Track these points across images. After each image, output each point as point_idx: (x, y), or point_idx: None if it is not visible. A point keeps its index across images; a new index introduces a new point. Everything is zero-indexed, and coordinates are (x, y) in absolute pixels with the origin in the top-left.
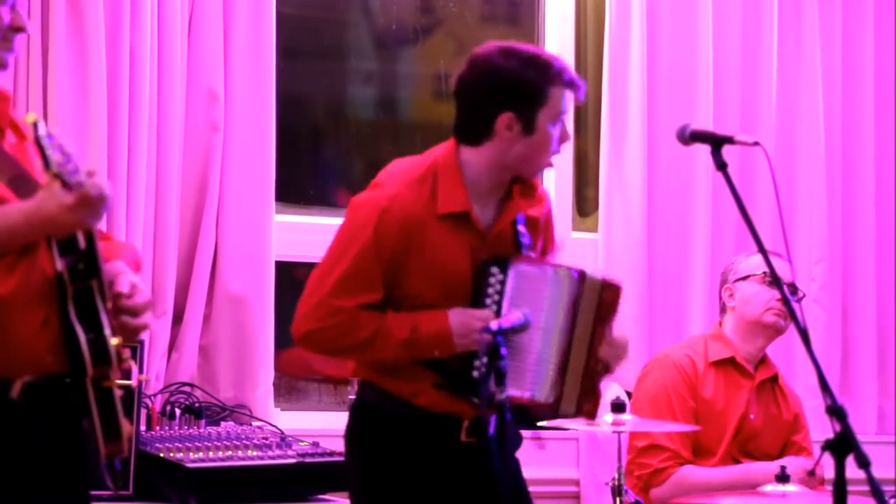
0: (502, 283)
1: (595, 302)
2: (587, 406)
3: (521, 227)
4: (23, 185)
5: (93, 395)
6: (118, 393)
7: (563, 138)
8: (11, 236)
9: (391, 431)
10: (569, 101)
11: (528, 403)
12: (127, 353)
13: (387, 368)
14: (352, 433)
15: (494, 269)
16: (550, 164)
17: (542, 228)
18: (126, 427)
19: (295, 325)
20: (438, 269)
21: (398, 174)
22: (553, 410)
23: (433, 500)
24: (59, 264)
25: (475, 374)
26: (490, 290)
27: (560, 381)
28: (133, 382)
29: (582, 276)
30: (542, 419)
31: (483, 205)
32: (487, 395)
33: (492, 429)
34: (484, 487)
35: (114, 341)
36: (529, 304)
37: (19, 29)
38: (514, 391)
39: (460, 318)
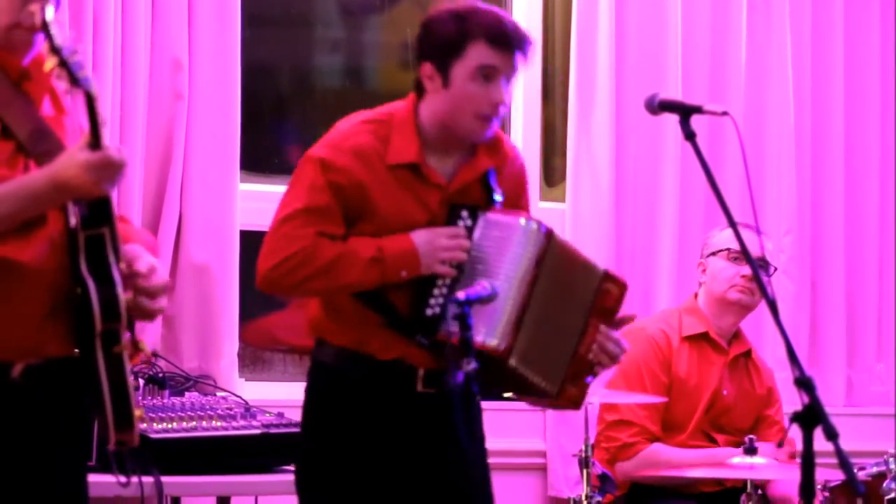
0: (470, 228)
1: (592, 290)
2: (572, 391)
3: (493, 183)
4: (42, 139)
5: (104, 366)
6: (130, 370)
7: (492, 98)
8: (36, 201)
9: (346, 389)
10: (494, 58)
11: (479, 347)
12: (143, 341)
13: (337, 315)
14: (308, 394)
15: (464, 213)
16: (481, 127)
17: (512, 185)
18: (138, 413)
19: (258, 268)
20: (392, 218)
21: (352, 118)
22: (505, 361)
23: (389, 455)
24: (73, 219)
25: (428, 311)
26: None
27: (513, 331)
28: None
29: (549, 232)
30: (520, 395)
31: (442, 158)
32: (441, 339)
33: (457, 378)
34: (443, 439)
35: (123, 296)
36: (494, 251)
37: None
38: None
39: (425, 236)
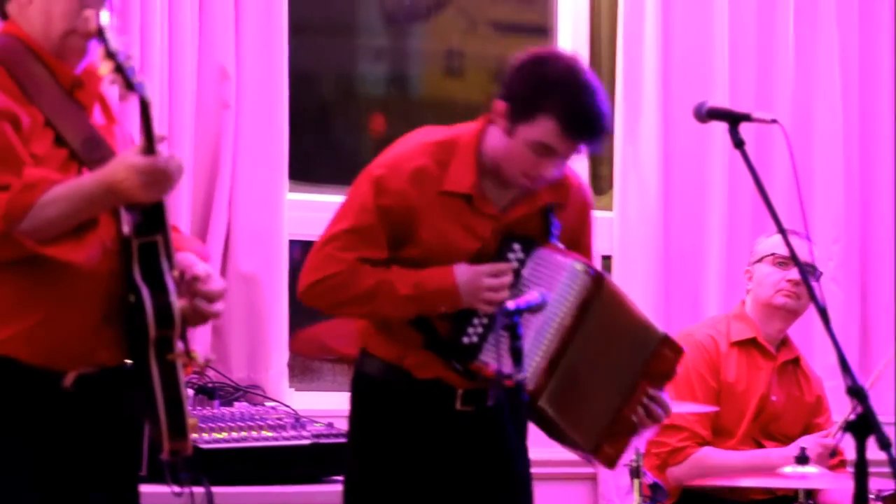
0: (522, 261)
1: (648, 352)
2: (609, 450)
3: (552, 218)
4: (94, 147)
5: (157, 373)
6: (184, 379)
7: (541, 172)
8: (89, 204)
9: (389, 402)
10: (558, 141)
11: (507, 381)
12: (196, 351)
13: (382, 327)
14: (353, 406)
15: (516, 246)
16: (525, 184)
17: (575, 221)
18: (192, 421)
19: (299, 281)
20: (439, 245)
21: (418, 136)
22: (534, 398)
23: (431, 469)
24: (126, 227)
25: (465, 339)
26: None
27: (546, 373)
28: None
29: (599, 278)
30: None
31: (501, 187)
32: (474, 368)
33: (491, 400)
34: (482, 455)
35: (178, 303)
36: (540, 288)
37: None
38: (493, 361)
39: (469, 274)
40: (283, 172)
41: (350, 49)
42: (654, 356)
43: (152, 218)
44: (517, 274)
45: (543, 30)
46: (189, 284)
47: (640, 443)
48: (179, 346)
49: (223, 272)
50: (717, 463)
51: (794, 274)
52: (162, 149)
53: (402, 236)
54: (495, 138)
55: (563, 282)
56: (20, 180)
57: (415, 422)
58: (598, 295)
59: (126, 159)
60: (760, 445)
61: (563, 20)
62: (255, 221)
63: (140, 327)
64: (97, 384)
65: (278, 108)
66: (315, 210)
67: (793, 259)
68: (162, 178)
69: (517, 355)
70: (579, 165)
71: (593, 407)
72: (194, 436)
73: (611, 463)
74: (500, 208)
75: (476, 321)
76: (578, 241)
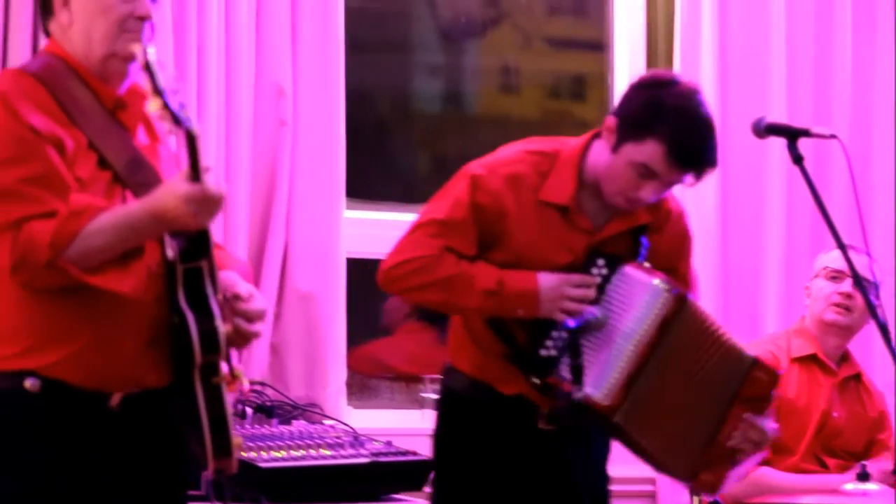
0: (605, 277)
1: (739, 377)
2: (707, 477)
3: (643, 238)
4: (138, 169)
5: (202, 396)
6: (229, 398)
7: (640, 194)
8: (135, 232)
9: (474, 419)
10: (663, 167)
11: (584, 400)
12: (240, 369)
13: (470, 337)
14: (438, 421)
15: (600, 262)
16: (621, 204)
17: (672, 246)
18: (236, 440)
19: (383, 262)
20: (527, 254)
21: (520, 144)
22: (609, 417)
23: (510, 488)
24: (171, 251)
25: (543, 352)
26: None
27: (622, 389)
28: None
29: (681, 297)
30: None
31: (600, 203)
32: (552, 382)
33: (552, 416)
34: (559, 478)
35: (223, 328)
36: (621, 305)
37: (143, 17)
38: (572, 379)
39: (552, 281)
40: (340, 190)
41: (405, 66)
42: (747, 381)
43: (197, 244)
44: (600, 289)
45: (599, 46)
46: (230, 303)
47: (742, 470)
48: (223, 366)
49: (280, 290)
50: (775, 483)
51: (846, 286)
52: (208, 176)
53: (491, 239)
54: (599, 153)
55: (644, 299)
56: (66, 207)
57: (499, 438)
58: (680, 314)
59: (172, 188)
60: (822, 462)
61: (620, 36)
62: (313, 239)
63: (185, 352)
64: (143, 404)
65: (335, 126)
66: (372, 228)
67: (850, 271)
68: (208, 206)
69: (577, 372)
70: None
71: (682, 431)
72: (252, 455)
73: (712, 489)
74: (595, 224)
75: (555, 334)
76: (675, 269)
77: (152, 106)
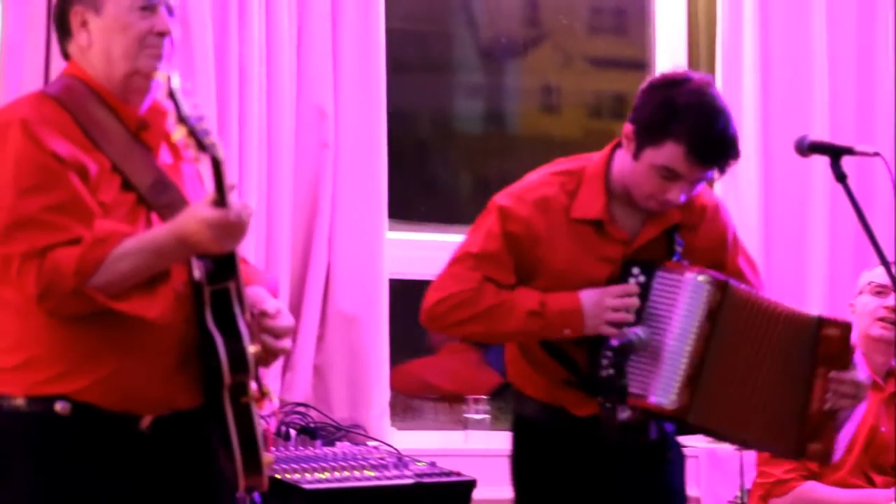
0: (643, 284)
1: (810, 341)
2: (815, 447)
3: (676, 237)
4: (163, 191)
5: (232, 415)
6: (258, 417)
7: (666, 197)
8: (161, 257)
9: (548, 442)
10: (684, 166)
11: (654, 409)
12: (268, 386)
13: (531, 366)
14: (513, 447)
15: (635, 270)
16: (652, 207)
17: (711, 242)
18: (267, 458)
19: (423, 302)
20: (568, 273)
21: (546, 168)
22: (684, 420)
23: None
24: (197, 272)
25: (603, 372)
26: None
27: (688, 389)
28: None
29: (723, 284)
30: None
31: (630, 211)
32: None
33: (653, 433)
34: (639, 490)
35: (252, 349)
36: (665, 307)
37: (163, 33)
38: (638, 393)
39: (592, 296)
40: (382, 211)
41: (447, 87)
42: (820, 342)
43: (224, 265)
44: (642, 297)
45: (640, 65)
46: (257, 320)
47: (850, 428)
48: (252, 385)
49: (323, 312)
50: (820, 498)
51: (891, 301)
52: (234, 200)
53: (530, 267)
54: (622, 162)
55: (686, 296)
56: (91, 233)
57: (576, 459)
58: (725, 301)
59: (198, 213)
60: (869, 478)
61: (661, 55)
62: (355, 261)
63: (214, 372)
64: (174, 426)
65: (377, 147)
66: (414, 248)
67: (894, 286)
68: (232, 232)
69: (622, 392)
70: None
71: (771, 412)
72: (297, 476)
73: (825, 459)
74: (630, 233)
75: (608, 352)
76: (722, 263)
77: (177, 133)
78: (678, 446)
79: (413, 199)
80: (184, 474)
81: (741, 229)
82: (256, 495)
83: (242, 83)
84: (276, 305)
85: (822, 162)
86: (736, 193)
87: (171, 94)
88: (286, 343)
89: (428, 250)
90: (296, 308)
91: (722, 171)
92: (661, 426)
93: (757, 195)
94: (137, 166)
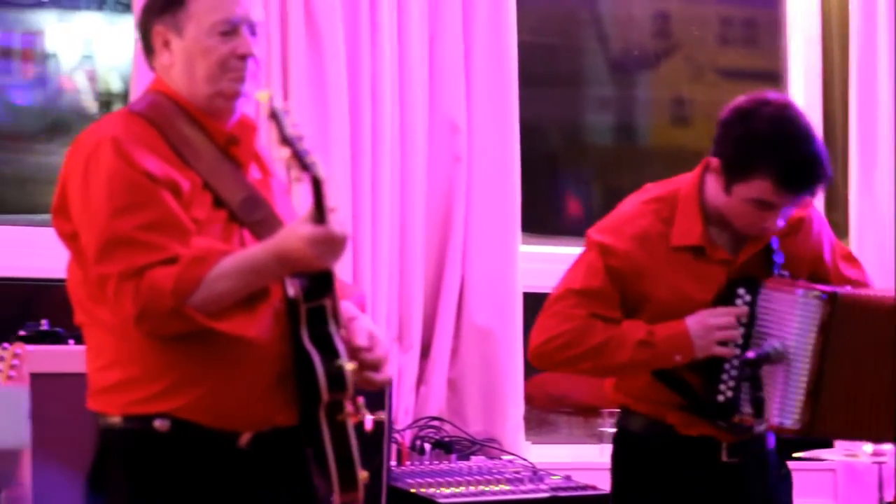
0: (750, 303)
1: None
2: None
3: (776, 250)
4: (254, 207)
5: (328, 433)
6: (354, 434)
7: (763, 226)
8: (259, 275)
9: (652, 458)
10: (776, 197)
11: (777, 430)
12: (361, 402)
13: (636, 387)
14: (615, 463)
15: (741, 290)
16: (756, 234)
17: (813, 244)
18: (363, 475)
19: (530, 342)
20: (673, 302)
21: (637, 197)
22: (807, 435)
23: None
24: (291, 290)
25: (720, 398)
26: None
27: (810, 406)
28: (376, 418)
29: (832, 297)
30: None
31: (727, 230)
32: (737, 422)
33: (770, 444)
34: None
35: (349, 366)
36: (776, 325)
37: (245, 56)
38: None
39: (697, 319)
40: (516, 224)
41: (577, 99)
42: None
43: (321, 283)
44: (750, 316)
45: (773, 76)
46: (353, 354)
47: None
48: (348, 404)
49: (457, 326)
50: None
51: None
52: (333, 218)
53: (634, 301)
54: (715, 190)
55: (796, 313)
56: (188, 252)
57: (680, 477)
58: (836, 312)
59: (297, 230)
60: None
61: (795, 66)
62: (489, 274)
63: (310, 390)
64: (272, 443)
65: (510, 161)
66: (548, 262)
67: None
68: (333, 248)
69: (758, 406)
70: None
71: (834, 400)
72: (432, 490)
73: None
74: (730, 252)
75: (724, 376)
76: (824, 271)
77: (281, 154)
78: (784, 465)
79: (545, 213)
80: (281, 491)
81: (877, 242)
82: None
83: (375, 99)
84: (368, 332)
85: None
86: (872, 206)
87: (274, 115)
88: (388, 372)
89: (561, 263)
90: (430, 322)
91: (813, 195)
92: (740, 444)
93: (893, 206)
94: (228, 182)
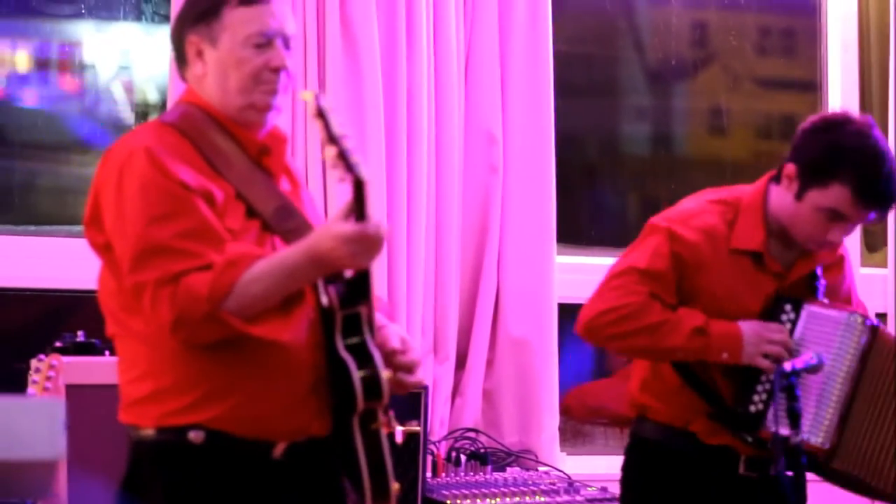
0: (793, 321)
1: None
2: None
3: (819, 272)
4: (287, 217)
5: (361, 442)
6: (388, 444)
7: (831, 238)
8: (293, 278)
9: (670, 465)
10: (850, 209)
11: (803, 445)
12: (391, 412)
13: (661, 394)
14: (627, 471)
15: (787, 307)
16: (814, 248)
17: (841, 274)
18: (394, 486)
19: (581, 314)
20: (724, 302)
21: (700, 196)
22: (829, 459)
23: None
24: (325, 298)
25: (753, 408)
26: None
27: (838, 429)
28: (407, 430)
29: (875, 328)
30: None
31: (784, 246)
32: (770, 435)
33: (780, 466)
34: None
35: (385, 374)
36: (816, 346)
37: (278, 69)
38: (786, 430)
39: (752, 327)
40: (551, 235)
41: (614, 109)
42: None
43: (358, 288)
44: (791, 332)
45: (810, 86)
46: (387, 357)
47: None
48: (381, 414)
49: (493, 336)
50: None
51: None
52: (370, 216)
53: (687, 291)
54: (781, 199)
55: (839, 335)
56: (222, 257)
57: (695, 486)
58: (875, 344)
59: (332, 229)
60: None
61: (833, 76)
62: (524, 285)
63: (345, 398)
64: (306, 453)
65: (545, 171)
66: (583, 273)
67: None
68: (368, 246)
69: (795, 417)
70: None
71: (859, 429)
72: (467, 502)
73: None
74: (784, 267)
75: (760, 388)
76: (841, 289)
77: (327, 153)
78: (802, 486)
79: (581, 223)
80: (315, 501)
81: None
82: None
83: (411, 109)
84: (401, 336)
85: None
86: None
87: (321, 113)
88: (419, 375)
89: (597, 274)
90: (465, 332)
91: (884, 214)
92: (778, 459)
93: None
94: (261, 192)
